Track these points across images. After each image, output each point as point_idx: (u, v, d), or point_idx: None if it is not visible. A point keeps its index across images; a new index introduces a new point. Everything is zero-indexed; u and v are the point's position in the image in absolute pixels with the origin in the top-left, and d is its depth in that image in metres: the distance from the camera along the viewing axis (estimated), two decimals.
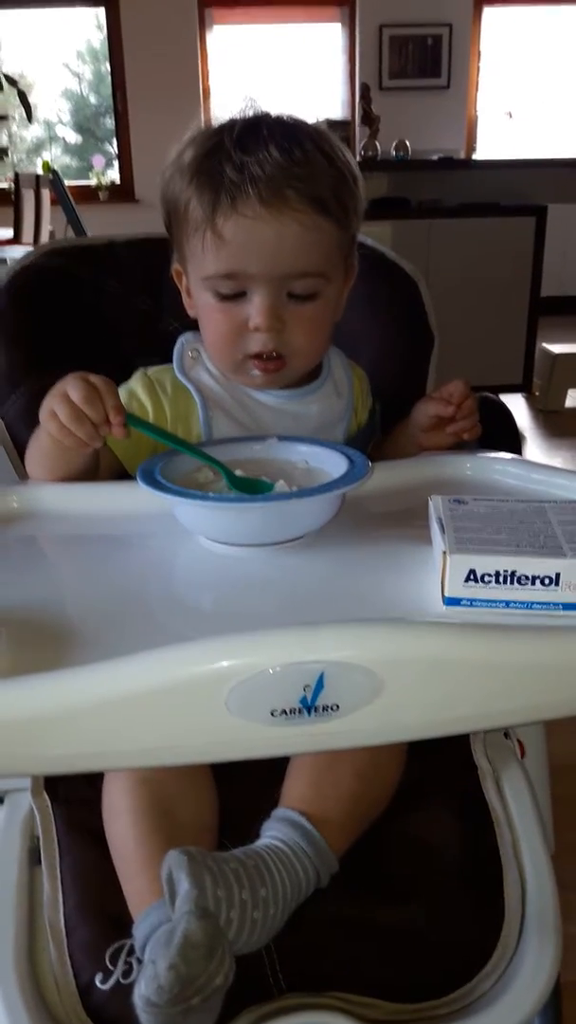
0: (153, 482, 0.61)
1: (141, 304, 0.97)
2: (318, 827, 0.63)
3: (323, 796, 0.65)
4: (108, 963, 0.62)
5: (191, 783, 0.68)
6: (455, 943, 0.65)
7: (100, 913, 0.65)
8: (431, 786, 0.72)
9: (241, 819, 0.69)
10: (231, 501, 0.59)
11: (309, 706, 0.42)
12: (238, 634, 0.42)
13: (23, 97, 3.97)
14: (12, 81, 3.88)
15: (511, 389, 3.77)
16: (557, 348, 3.81)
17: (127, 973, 0.61)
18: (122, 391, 0.81)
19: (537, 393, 3.83)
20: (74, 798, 0.72)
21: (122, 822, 0.66)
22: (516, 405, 3.87)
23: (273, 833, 0.63)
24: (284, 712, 0.42)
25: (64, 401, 0.68)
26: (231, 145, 0.73)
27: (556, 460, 3.23)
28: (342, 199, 0.76)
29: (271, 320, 0.75)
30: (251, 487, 0.66)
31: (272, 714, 0.42)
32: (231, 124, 0.76)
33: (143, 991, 0.52)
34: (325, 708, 0.42)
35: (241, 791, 0.70)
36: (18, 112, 4.56)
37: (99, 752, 0.43)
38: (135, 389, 0.82)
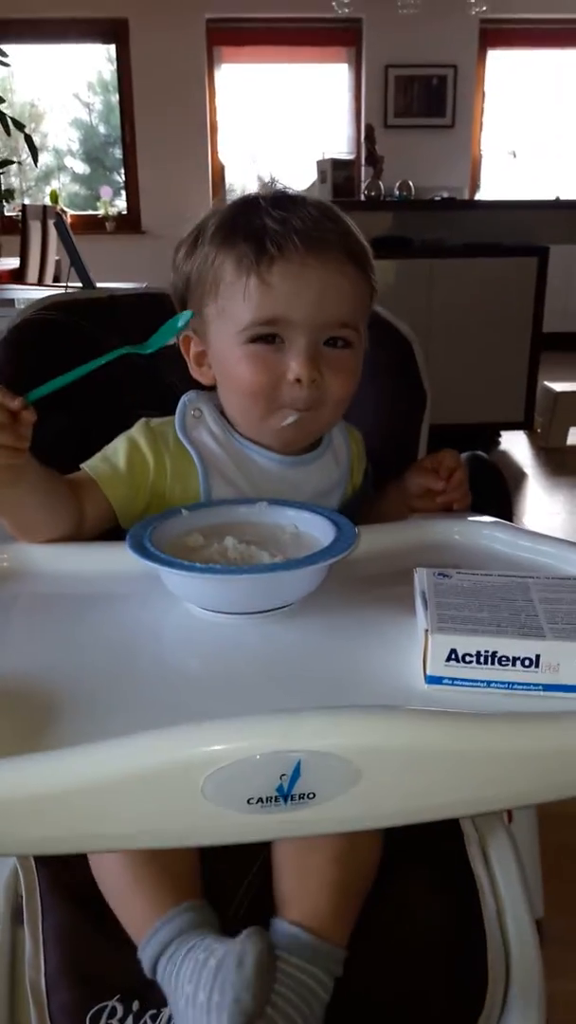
0: (141, 549, 0.61)
1: (140, 359, 0.98)
2: (314, 929, 0.61)
3: (308, 892, 0.64)
4: None
5: None
6: (437, 1013, 0.65)
7: (81, 974, 0.65)
8: (415, 851, 0.72)
9: (225, 879, 0.69)
10: (217, 572, 0.59)
11: (286, 794, 0.42)
12: (214, 721, 0.43)
13: (30, 141, 4.05)
14: (20, 125, 3.95)
15: (513, 426, 3.79)
16: (559, 386, 3.84)
17: None
18: (123, 439, 0.82)
19: (539, 431, 3.85)
20: (59, 859, 0.72)
21: (109, 861, 0.67)
22: (518, 442, 3.89)
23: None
24: (260, 800, 0.42)
25: None
26: (267, 205, 0.76)
27: (557, 498, 3.24)
28: (367, 258, 0.79)
29: (311, 371, 0.75)
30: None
31: (248, 802, 0.42)
32: (259, 194, 0.79)
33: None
34: (301, 796, 0.43)
35: (223, 851, 0.70)
36: (25, 156, 4.65)
37: (72, 836, 0.43)
38: (137, 439, 0.82)
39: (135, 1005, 0.63)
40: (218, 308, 0.78)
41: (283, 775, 0.42)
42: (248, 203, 0.77)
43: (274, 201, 0.76)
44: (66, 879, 0.70)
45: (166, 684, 0.57)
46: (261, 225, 0.74)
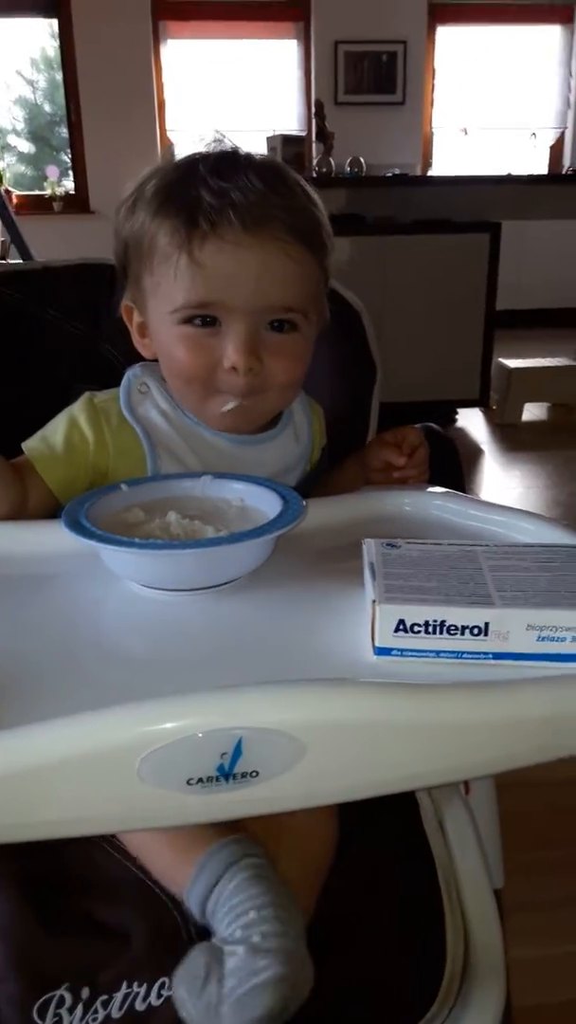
0: (77, 526, 0.59)
1: (77, 330, 0.95)
2: None
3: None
4: (36, 1017, 0.60)
5: None
6: (393, 991, 0.64)
7: (28, 966, 0.63)
8: (370, 827, 0.71)
9: None
10: (158, 548, 0.57)
11: (227, 773, 0.41)
12: (147, 701, 0.40)
13: None
14: None
15: (469, 404, 3.81)
16: (513, 363, 3.87)
17: None
18: (63, 417, 0.79)
19: (494, 407, 3.88)
20: (1, 849, 0.69)
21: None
22: (474, 420, 3.91)
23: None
24: (201, 780, 0.40)
25: None
26: (207, 172, 0.70)
27: (513, 474, 3.27)
28: (320, 235, 0.74)
29: (248, 359, 0.71)
30: None
31: (188, 783, 0.40)
32: (203, 155, 0.73)
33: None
34: (244, 775, 0.41)
35: None
36: None
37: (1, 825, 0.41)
38: (77, 417, 0.78)
39: (85, 992, 0.61)
40: (153, 282, 0.74)
41: (224, 754, 0.40)
42: (188, 167, 0.72)
43: (216, 167, 0.70)
44: (7, 869, 0.67)
45: (108, 666, 0.54)
46: (196, 197, 0.69)
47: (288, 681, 0.43)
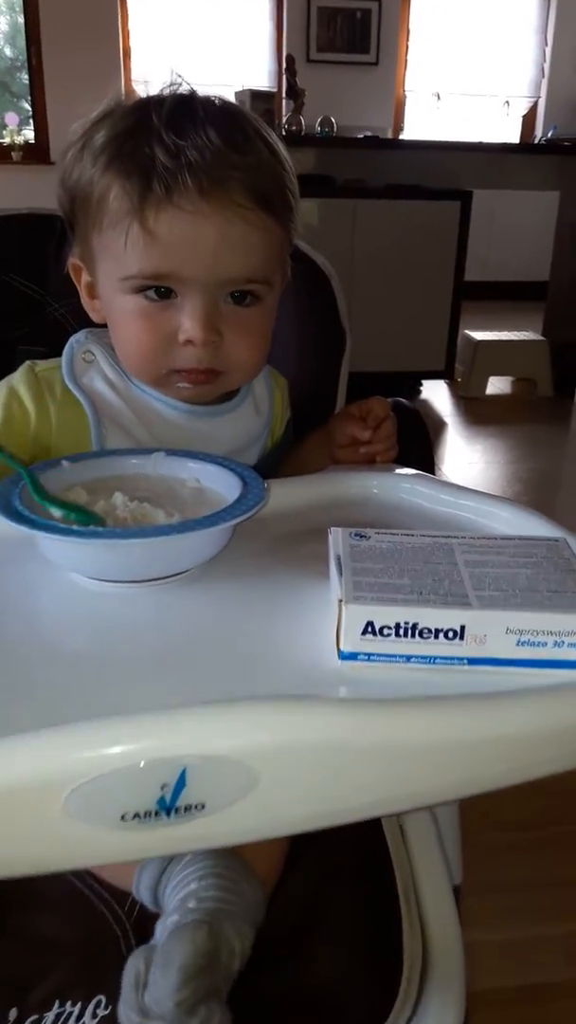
0: (8, 510, 0.52)
1: (22, 286, 0.87)
2: None
3: None
4: None
5: None
6: (350, 996, 0.60)
7: None
8: (326, 831, 0.67)
9: None
10: (101, 536, 0.51)
11: (168, 807, 0.35)
12: (78, 724, 0.35)
13: None
14: None
15: (434, 375, 3.76)
16: (479, 335, 3.82)
17: None
18: (2, 387, 0.72)
19: (459, 380, 3.84)
20: None
21: None
22: (438, 391, 3.87)
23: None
24: (137, 816, 0.35)
25: None
26: (161, 125, 0.62)
27: (476, 447, 3.24)
28: (284, 194, 0.67)
29: (207, 333, 0.65)
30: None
31: (123, 818, 0.35)
32: (158, 100, 0.65)
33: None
34: (188, 808, 0.36)
35: None
36: None
37: None
38: (18, 388, 0.71)
39: (12, 1014, 0.56)
40: (102, 244, 0.67)
41: (164, 785, 0.35)
42: (142, 116, 0.64)
43: (171, 118, 0.63)
44: None
45: (43, 666, 0.48)
46: (150, 156, 0.62)
47: (238, 701, 0.37)
